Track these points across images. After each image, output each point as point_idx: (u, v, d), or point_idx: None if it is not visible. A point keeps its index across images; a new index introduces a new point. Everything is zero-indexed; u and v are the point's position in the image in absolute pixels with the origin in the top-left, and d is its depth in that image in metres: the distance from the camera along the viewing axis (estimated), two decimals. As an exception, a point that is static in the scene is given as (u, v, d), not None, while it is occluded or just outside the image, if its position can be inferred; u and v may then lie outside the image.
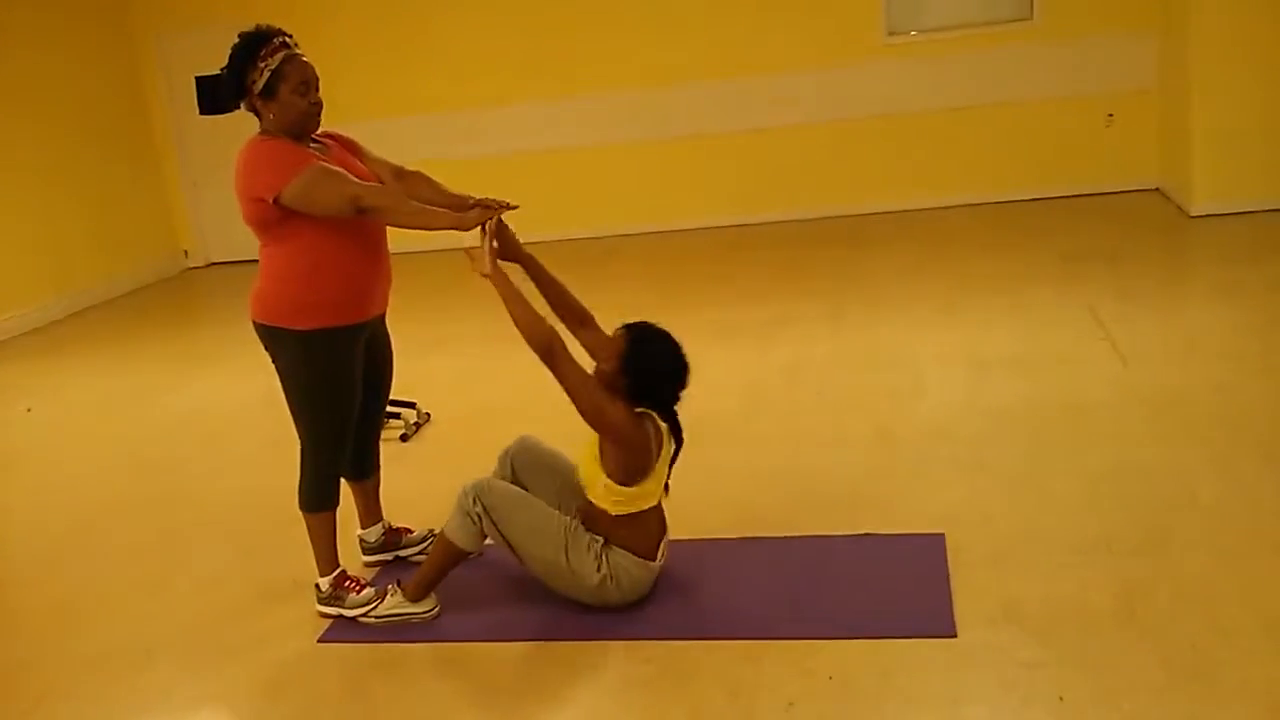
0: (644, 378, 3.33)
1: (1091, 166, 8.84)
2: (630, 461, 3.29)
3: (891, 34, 8.99)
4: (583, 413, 3.25)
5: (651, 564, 3.41)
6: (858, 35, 8.99)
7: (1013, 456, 4.26)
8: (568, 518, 3.41)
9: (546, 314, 3.41)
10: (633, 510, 3.36)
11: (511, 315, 3.27)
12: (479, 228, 3.33)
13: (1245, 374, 4.85)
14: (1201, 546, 3.44)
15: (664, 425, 3.38)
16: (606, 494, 3.33)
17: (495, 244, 3.37)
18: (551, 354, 3.22)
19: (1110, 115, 8.74)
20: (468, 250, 3.36)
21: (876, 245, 8.19)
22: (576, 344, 3.48)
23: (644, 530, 3.41)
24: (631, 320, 3.43)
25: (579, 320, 3.60)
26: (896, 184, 9.21)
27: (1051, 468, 4.12)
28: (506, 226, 3.45)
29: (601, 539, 3.37)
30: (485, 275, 3.33)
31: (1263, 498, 3.72)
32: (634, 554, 3.38)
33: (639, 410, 3.34)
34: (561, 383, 3.24)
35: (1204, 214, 7.67)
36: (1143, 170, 8.72)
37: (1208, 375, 4.88)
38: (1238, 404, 4.53)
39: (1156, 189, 8.67)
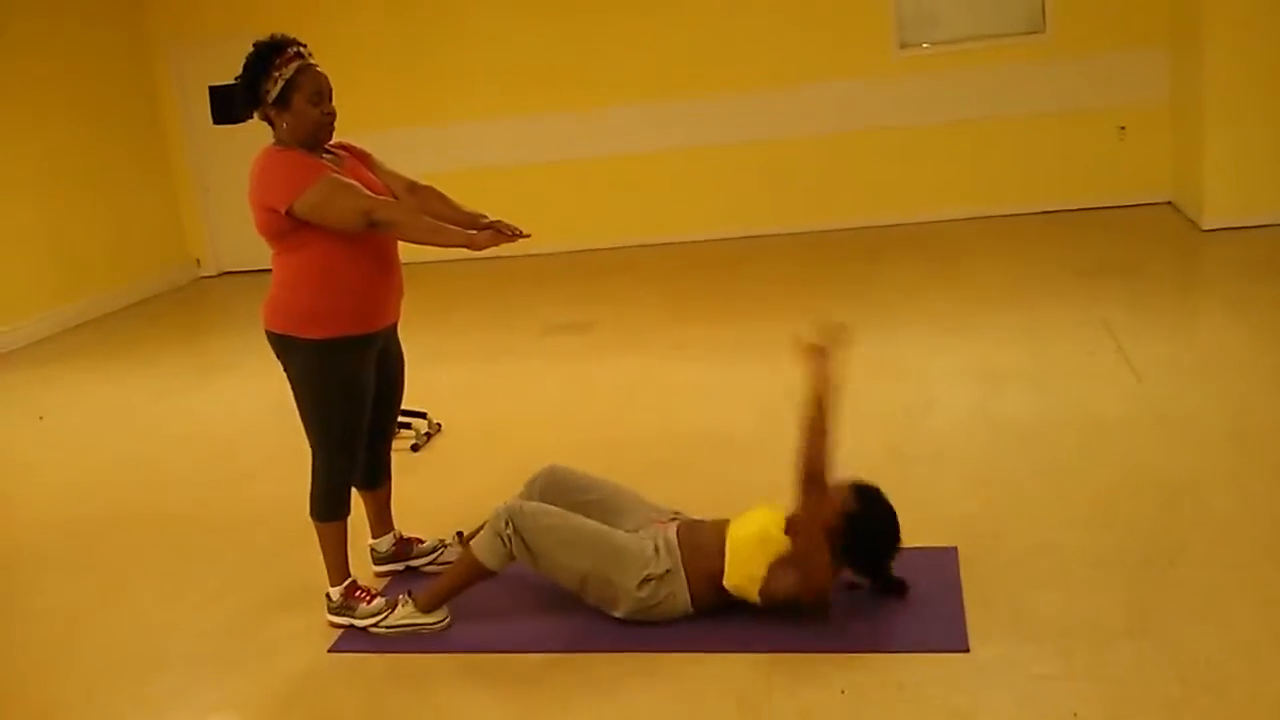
0: (863, 541, 3.31)
1: (1104, 180, 8.83)
2: (794, 597, 3.27)
3: (904, 47, 9.00)
4: (802, 551, 3.22)
5: (692, 611, 3.39)
6: (870, 48, 9.00)
7: (1026, 470, 4.25)
8: (637, 538, 3.39)
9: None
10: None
11: (810, 430, 3.28)
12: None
13: (1258, 388, 4.83)
14: (1215, 560, 3.42)
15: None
16: (750, 586, 3.29)
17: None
18: (817, 488, 3.22)
19: (1122, 128, 8.74)
20: (809, 352, 3.39)
21: (888, 258, 8.18)
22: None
23: (717, 592, 3.38)
24: (859, 482, 3.39)
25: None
26: (908, 196, 9.21)
27: (1064, 481, 4.11)
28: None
29: (669, 569, 3.33)
30: (818, 377, 3.38)
31: (1276, 512, 3.70)
32: (689, 598, 3.36)
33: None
34: (812, 513, 3.22)
35: (1216, 228, 7.65)
36: (1155, 184, 8.71)
37: (1221, 389, 4.86)
38: (1250, 418, 4.51)
39: (1169, 203, 8.65)
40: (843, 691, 2.97)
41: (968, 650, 3.09)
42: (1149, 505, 3.85)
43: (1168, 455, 4.24)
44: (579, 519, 3.40)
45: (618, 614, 3.38)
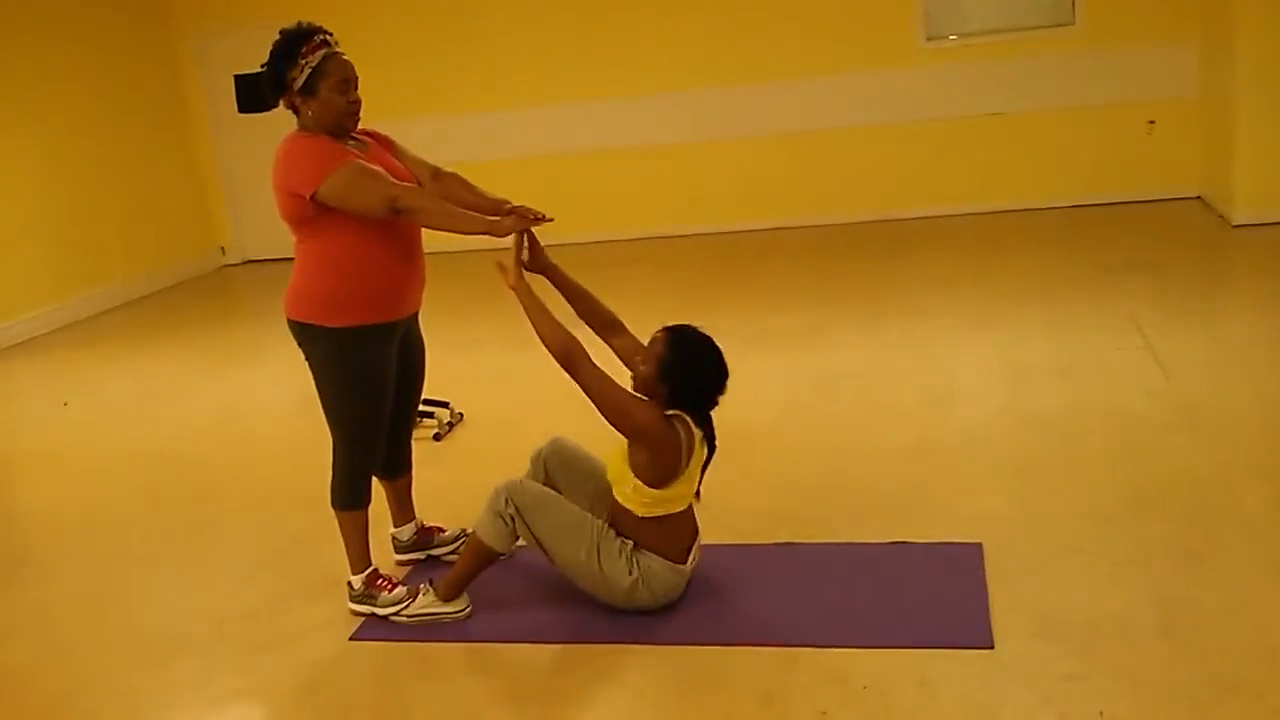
0: (683, 381, 3.31)
1: (1132, 174, 8.75)
2: (659, 463, 3.27)
3: (930, 39, 8.93)
4: (607, 417, 3.24)
5: (682, 567, 3.39)
6: (897, 40, 8.94)
7: (1052, 466, 4.21)
8: (600, 521, 3.39)
9: (575, 323, 3.39)
10: (661, 513, 3.34)
11: (533, 324, 3.29)
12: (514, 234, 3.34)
13: (1289, 385, 4.77)
14: (1244, 559, 3.38)
15: (697, 430, 3.35)
16: (635, 495, 3.32)
17: (525, 255, 3.37)
18: (571, 360, 3.23)
19: (1151, 122, 8.65)
20: (498, 263, 3.35)
21: (915, 251, 8.13)
22: (609, 351, 3.45)
23: (674, 533, 3.39)
24: (671, 324, 3.40)
25: (608, 327, 3.59)
26: (935, 189, 9.15)
27: (1092, 478, 4.07)
28: (535, 238, 3.44)
29: (632, 542, 3.35)
30: (511, 287, 3.32)
31: (1308, 511, 3.65)
32: (664, 557, 3.36)
33: (670, 413, 3.32)
34: (584, 388, 3.24)
35: (1246, 223, 7.57)
36: (1184, 178, 8.62)
37: (1250, 385, 4.81)
38: (1281, 415, 4.46)
39: (1198, 197, 8.57)
40: (865, 687, 2.95)
41: (992, 647, 3.06)
42: (1177, 502, 3.80)
43: (1196, 452, 4.19)
44: (574, 507, 3.40)
45: (619, 604, 3.37)
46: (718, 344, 3.36)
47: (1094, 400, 4.80)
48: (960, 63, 8.90)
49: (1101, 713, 2.74)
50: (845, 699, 2.91)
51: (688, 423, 3.33)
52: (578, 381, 3.25)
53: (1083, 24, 8.62)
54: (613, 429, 3.28)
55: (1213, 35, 8.10)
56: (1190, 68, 8.47)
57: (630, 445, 3.30)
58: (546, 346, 3.26)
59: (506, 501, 3.34)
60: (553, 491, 3.46)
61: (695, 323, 3.43)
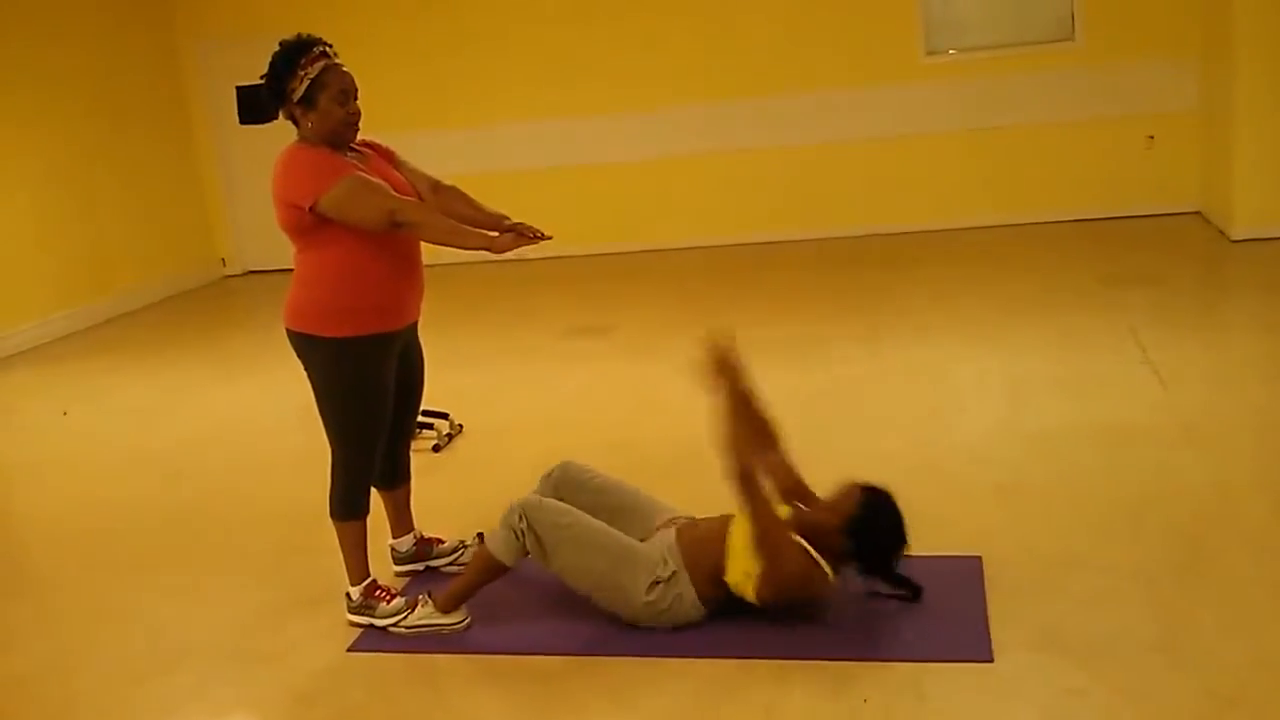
0: (868, 544, 3.29)
1: (1132, 189, 8.76)
2: (782, 595, 3.25)
3: (930, 53, 8.95)
4: (757, 545, 3.21)
5: (703, 610, 3.38)
6: (896, 54, 8.97)
7: (1052, 479, 4.21)
8: (645, 545, 3.38)
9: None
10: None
11: (724, 434, 3.27)
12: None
13: (1289, 400, 4.77)
14: (1244, 573, 3.38)
15: (830, 571, 3.27)
16: (745, 580, 3.27)
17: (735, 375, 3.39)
18: (748, 482, 3.23)
19: (1151, 137, 8.67)
20: (707, 369, 3.35)
21: (914, 265, 8.14)
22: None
23: (719, 588, 3.36)
24: (867, 483, 3.37)
25: (766, 445, 3.52)
26: (935, 203, 9.17)
27: (1092, 491, 4.07)
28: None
29: (674, 571, 3.32)
30: (720, 390, 3.35)
31: (1308, 526, 3.65)
32: (696, 597, 3.34)
33: (815, 557, 3.26)
34: (750, 511, 3.23)
35: (1245, 238, 7.58)
36: (1183, 193, 8.63)
37: (1249, 399, 4.81)
38: (1279, 428, 4.46)
39: (1197, 212, 8.58)
40: (865, 700, 2.94)
41: (992, 661, 3.05)
42: (1177, 516, 3.80)
43: (1196, 466, 4.19)
44: (592, 521, 3.39)
45: (628, 619, 3.36)
46: (902, 513, 3.32)
47: (1093, 414, 4.80)
48: (960, 77, 8.92)
49: (1101, 727, 2.73)
50: (845, 712, 2.91)
51: (825, 568, 3.26)
52: (746, 504, 3.23)
53: (1082, 39, 8.64)
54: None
55: (1212, 51, 8.12)
56: (1190, 83, 8.49)
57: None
58: (725, 454, 3.24)
59: (520, 516, 3.34)
60: (568, 506, 3.44)
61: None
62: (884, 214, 9.24)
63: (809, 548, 3.24)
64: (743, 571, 3.28)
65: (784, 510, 3.37)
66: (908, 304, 7.00)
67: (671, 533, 3.43)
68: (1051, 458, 4.41)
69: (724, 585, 3.32)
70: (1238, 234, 7.62)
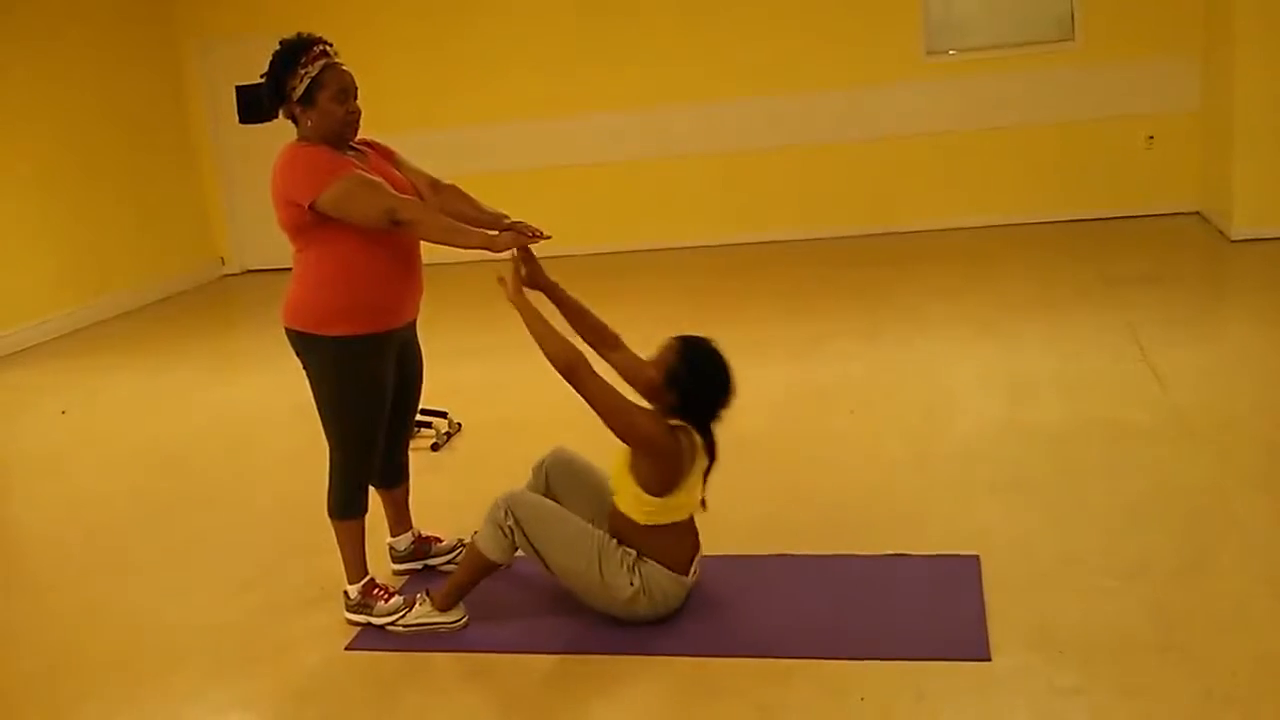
0: (692, 390, 3.31)
1: (1131, 189, 8.77)
2: (660, 471, 3.27)
3: (931, 53, 8.95)
4: (610, 425, 3.25)
5: (684, 578, 3.39)
6: (897, 54, 8.97)
7: (1050, 478, 4.21)
8: (601, 531, 3.39)
9: (572, 337, 3.41)
10: (663, 521, 3.34)
11: (535, 337, 3.30)
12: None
13: (1287, 400, 4.78)
14: (1242, 571, 3.38)
15: (699, 439, 3.35)
16: (636, 504, 3.32)
17: (523, 271, 3.39)
18: (575, 372, 3.24)
19: (1150, 137, 8.67)
20: (499, 277, 3.37)
21: (914, 264, 8.15)
22: (607, 367, 3.46)
23: (676, 543, 3.39)
24: (679, 333, 3.40)
25: (607, 343, 3.58)
26: (934, 203, 9.17)
27: (1089, 490, 4.07)
28: (532, 255, 3.45)
29: (635, 552, 3.35)
30: (511, 300, 3.34)
31: (1306, 525, 3.65)
32: (666, 567, 3.35)
33: (674, 423, 3.32)
34: (588, 399, 3.25)
35: (1244, 238, 7.58)
36: (1183, 193, 8.64)
37: (1248, 398, 4.81)
38: (1277, 427, 4.45)
39: (1197, 212, 8.58)
40: (862, 699, 2.94)
41: (989, 659, 3.05)
42: (1175, 515, 3.80)
43: (1194, 465, 4.19)
44: (569, 517, 3.39)
45: (620, 615, 3.37)
46: (726, 355, 3.36)
47: (1092, 413, 4.80)
48: (961, 77, 8.92)
49: (1098, 725, 2.74)
50: (841, 711, 2.91)
51: (690, 432, 3.34)
52: (581, 392, 3.25)
53: (1083, 39, 8.65)
54: (615, 438, 3.28)
55: (1212, 51, 8.12)
56: (1190, 84, 8.49)
57: (632, 453, 3.31)
58: (549, 359, 3.27)
59: (506, 513, 3.34)
60: (552, 502, 3.46)
61: (696, 332, 3.44)
62: (884, 214, 9.24)
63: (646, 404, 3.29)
64: (627, 490, 3.32)
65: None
66: (908, 303, 7.01)
67: (604, 526, 3.44)
68: (1050, 456, 4.41)
69: (639, 527, 3.33)
70: (1237, 234, 7.62)
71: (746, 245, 9.37)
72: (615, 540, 3.37)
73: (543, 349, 3.29)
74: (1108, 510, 3.88)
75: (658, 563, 3.34)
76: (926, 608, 3.36)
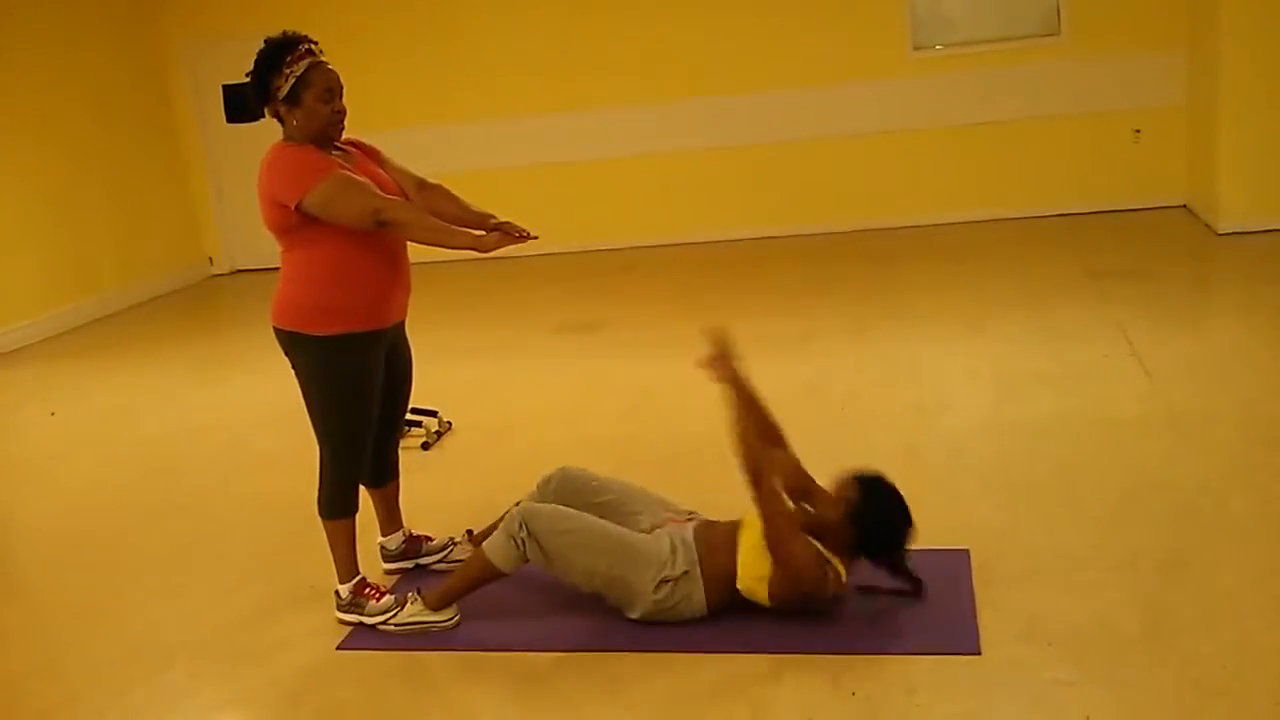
0: (873, 530, 3.30)
1: (1119, 183, 8.80)
2: (795, 593, 3.26)
3: (917, 49, 8.97)
4: (771, 543, 3.23)
5: (706, 611, 3.38)
6: (884, 49, 8.98)
7: (1039, 473, 4.22)
8: (642, 533, 3.39)
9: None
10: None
11: (734, 424, 3.32)
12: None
13: (1273, 391, 4.80)
14: (1230, 564, 3.40)
15: (843, 568, 3.30)
16: (757, 585, 3.30)
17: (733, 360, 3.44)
18: (759, 477, 3.25)
19: (1138, 131, 8.70)
20: (714, 355, 3.41)
21: (902, 260, 8.16)
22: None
23: (729, 592, 3.37)
24: (861, 472, 3.39)
25: (775, 442, 3.55)
26: (922, 198, 9.19)
27: (1078, 484, 4.08)
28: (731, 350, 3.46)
29: (686, 570, 3.33)
30: (725, 381, 3.41)
31: (1293, 517, 3.67)
32: (704, 598, 3.35)
33: (825, 556, 3.28)
34: (761, 509, 3.25)
35: (1231, 231, 7.61)
36: (1170, 187, 8.67)
37: (1236, 392, 4.83)
38: (1266, 421, 4.48)
39: (1184, 206, 8.61)
40: (853, 694, 2.96)
41: (979, 653, 3.06)
42: (1163, 508, 3.82)
43: (1183, 458, 4.21)
44: (594, 520, 3.39)
45: (634, 615, 3.37)
46: (903, 496, 3.34)
47: (1080, 407, 4.82)
48: (947, 72, 8.94)
49: (1088, 717, 2.75)
50: (834, 706, 2.92)
51: (838, 569, 3.29)
52: (758, 500, 3.25)
53: (1068, 34, 8.67)
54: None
55: (1198, 45, 8.15)
56: (1176, 77, 8.52)
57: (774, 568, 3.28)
58: (740, 457, 3.28)
59: (521, 525, 3.34)
60: (567, 508, 3.44)
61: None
62: (872, 209, 9.25)
63: (819, 546, 3.26)
64: (755, 576, 3.29)
65: (792, 510, 3.37)
66: (895, 298, 7.02)
67: (688, 531, 3.43)
68: (1039, 451, 4.43)
69: (735, 591, 3.33)
70: (1224, 227, 7.65)
71: (734, 241, 9.38)
72: (674, 559, 3.33)
73: (737, 438, 3.31)
74: (1097, 504, 3.90)
75: (702, 593, 3.35)
76: (918, 602, 3.37)
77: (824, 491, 3.43)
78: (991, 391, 5.14)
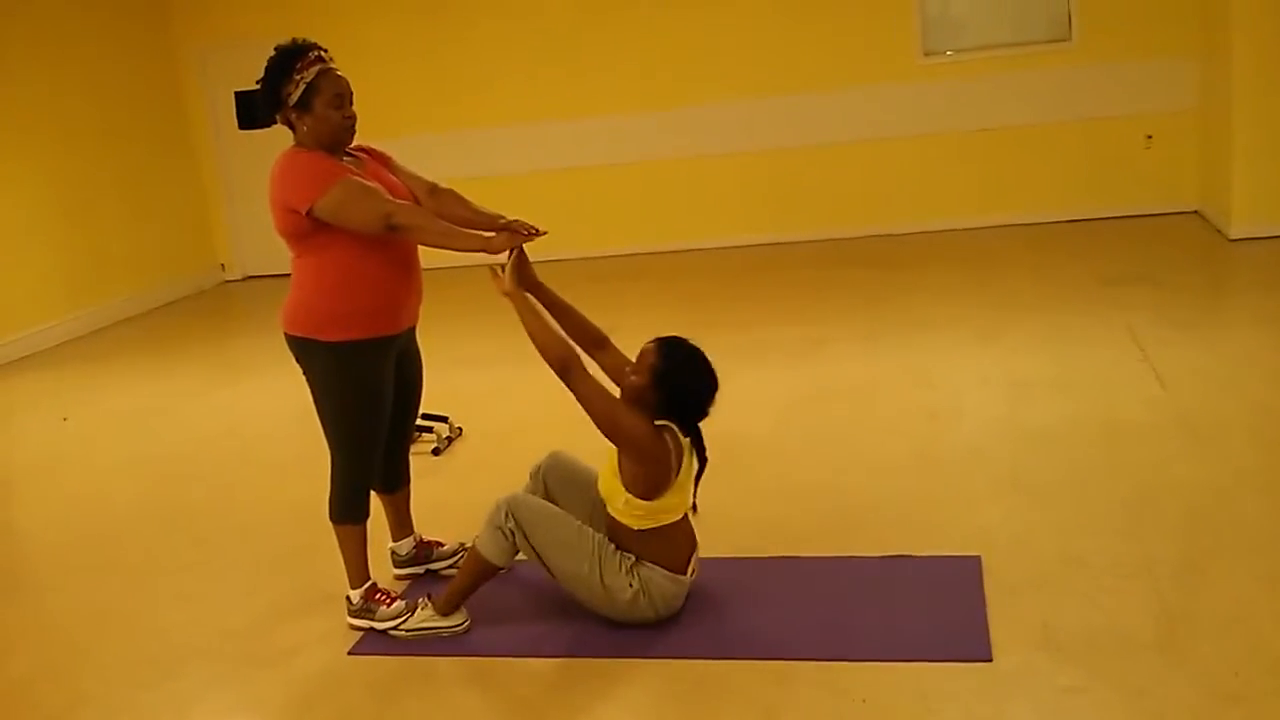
0: (675, 391, 3.32)
1: (1130, 188, 8.77)
2: (649, 475, 3.28)
3: (928, 54, 8.96)
4: (599, 425, 3.26)
5: (682, 578, 3.39)
6: (894, 55, 8.97)
7: (1051, 478, 4.21)
8: (600, 534, 3.39)
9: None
10: (655, 524, 3.35)
11: (529, 333, 3.32)
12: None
13: (1287, 398, 4.78)
14: (1243, 570, 3.38)
15: (686, 440, 3.36)
16: (627, 509, 3.33)
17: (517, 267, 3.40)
18: (567, 369, 3.26)
19: (1149, 137, 8.67)
20: (491, 268, 3.38)
21: (912, 266, 8.15)
22: (595, 367, 3.46)
23: (671, 544, 3.40)
24: (662, 335, 3.41)
25: (595, 343, 3.60)
26: (933, 204, 9.17)
27: (1090, 490, 4.07)
28: (525, 257, 3.45)
29: (633, 556, 3.35)
30: (506, 294, 3.36)
31: (1306, 523, 3.65)
32: (664, 568, 3.36)
33: (659, 424, 3.34)
34: (579, 398, 3.27)
35: (1243, 237, 7.58)
36: (1182, 193, 8.64)
37: (1247, 397, 4.81)
38: (1278, 425, 4.46)
39: (1196, 212, 8.58)
40: (864, 700, 2.95)
41: (991, 660, 3.05)
42: (1176, 514, 3.80)
43: (1195, 464, 4.19)
44: (570, 520, 3.39)
45: (620, 618, 3.37)
46: (707, 355, 3.38)
47: (1092, 413, 4.80)
48: (958, 78, 8.93)
49: (1100, 725, 2.74)
50: (843, 713, 2.91)
51: (676, 433, 3.35)
52: (573, 390, 3.27)
53: (1080, 40, 8.65)
54: (607, 442, 3.29)
55: (1211, 50, 8.12)
56: (1188, 83, 8.50)
57: (621, 458, 3.32)
58: (542, 354, 3.29)
59: (506, 515, 3.34)
60: (552, 505, 3.46)
61: (695, 336, 3.44)
62: (882, 215, 9.24)
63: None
64: (609, 486, 3.34)
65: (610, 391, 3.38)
66: (907, 304, 7.01)
67: (603, 530, 3.44)
68: (1050, 457, 4.41)
69: (633, 532, 3.34)
70: (1236, 233, 7.62)
71: (744, 248, 9.37)
72: (614, 545, 3.37)
73: (536, 344, 3.30)
74: (1109, 510, 3.89)
75: (655, 564, 3.35)
76: (928, 608, 3.36)
77: (631, 363, 3.43)
78: (1003, 397, 5.13)
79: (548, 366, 3.28)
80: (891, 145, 9.13)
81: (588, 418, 3.27)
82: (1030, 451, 4.48)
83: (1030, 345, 5.85)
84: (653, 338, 3.42)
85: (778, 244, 9.35)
